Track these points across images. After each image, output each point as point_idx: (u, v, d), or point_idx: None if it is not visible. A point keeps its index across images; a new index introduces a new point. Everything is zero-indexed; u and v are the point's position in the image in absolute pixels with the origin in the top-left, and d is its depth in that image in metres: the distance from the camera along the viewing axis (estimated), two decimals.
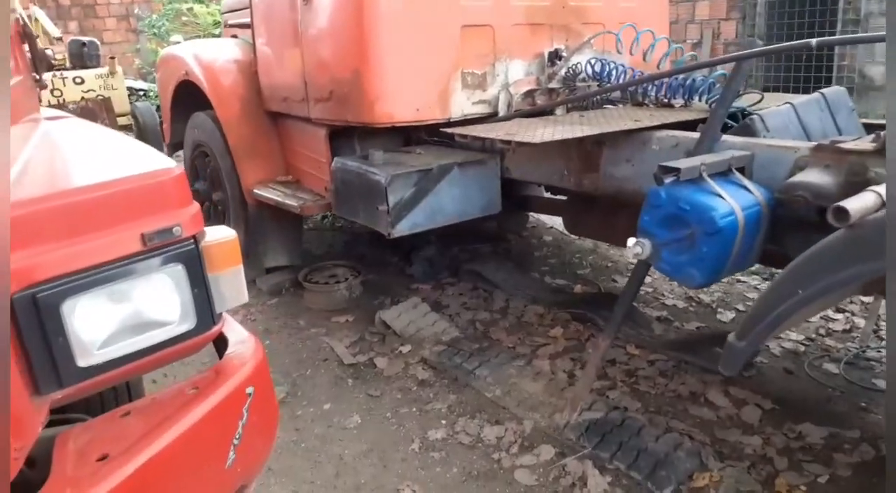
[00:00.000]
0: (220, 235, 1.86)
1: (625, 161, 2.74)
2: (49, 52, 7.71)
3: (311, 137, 3.56)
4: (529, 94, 3.25)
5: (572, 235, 4.81)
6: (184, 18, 8.76)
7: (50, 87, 6.92)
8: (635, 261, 2.46)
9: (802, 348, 3.23)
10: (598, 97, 3.35)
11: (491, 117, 3.26)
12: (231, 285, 1.87)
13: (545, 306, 3.67)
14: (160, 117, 5.59)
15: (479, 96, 3.20)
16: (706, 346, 3.14)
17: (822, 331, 3.39)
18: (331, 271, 4.06)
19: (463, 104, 3.15)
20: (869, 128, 2.71)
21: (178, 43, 4.68)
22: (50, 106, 6.99)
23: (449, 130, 2.76)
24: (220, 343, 1.94)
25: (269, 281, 4.12)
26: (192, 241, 1.63)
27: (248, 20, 4.00)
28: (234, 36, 4.67)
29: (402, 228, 2.98)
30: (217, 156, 4.12)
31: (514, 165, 3.14)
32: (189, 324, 1.55)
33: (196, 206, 1.87)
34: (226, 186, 4.11)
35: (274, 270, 4.15)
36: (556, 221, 4.87)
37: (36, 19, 8.93)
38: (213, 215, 4.39)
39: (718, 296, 3.88)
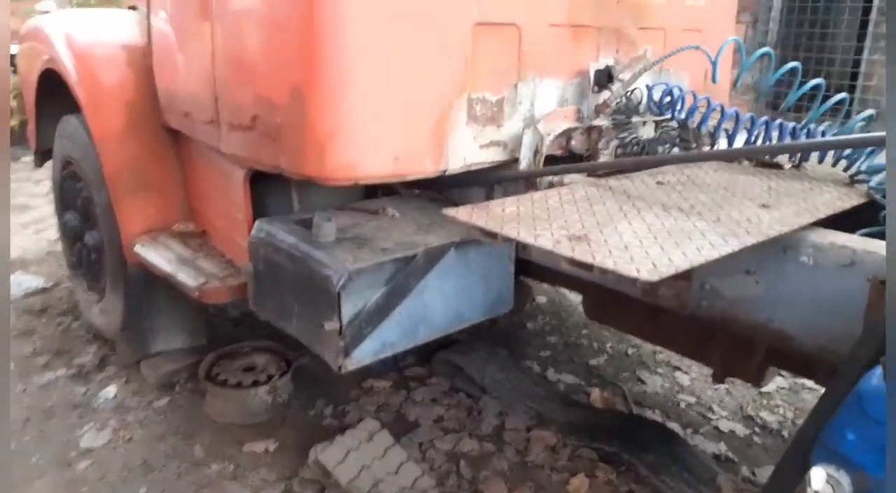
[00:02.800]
0: None
1: (744, 273, 1.64)
2: None
3: (222, 175, 2.33)
4: (565, 134, 2.10)
5: (570, 296, 3.72)
6: None
7: None
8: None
9: None
10: (655, 138, 2.24)
11: (504, 167, 2.10)
12: None
13: (556, 431, 2.56)
14: None
15: (491, 136, 2.03)
16: None
17: None
18: (247, 358, 2.82)
19: (467, 147, 1.98)
20: None
21: (47, 12, 3.32)
22: None
23: (475, 226, 1.48)
24: None
25: (158, 368, 2.86)
26: None
27: None
28: (133, 7, 3.35)
29: (362, 356, 1.80)
30: (91, 183, 2.83)
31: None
32: None
33: None
34: (101, 227, 2.83)
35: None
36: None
37: None
38: (86, 263, 3.10)
39: (787, 414, 2.85)
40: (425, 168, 1.91)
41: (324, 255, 1.79)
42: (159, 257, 2.42)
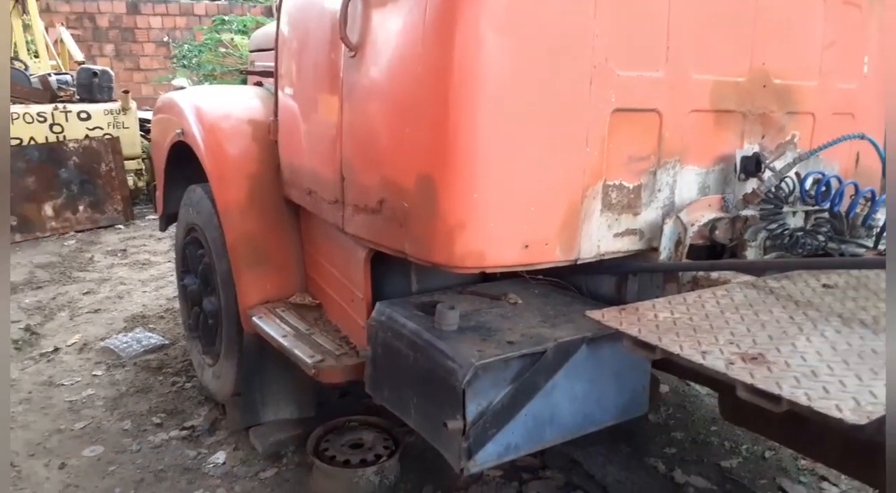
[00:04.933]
0: None
1: None
2: (68, 78, 6.59)
3: (343, 253, 2.32)
4: (709, 224, 1.95)
5: (696, 386, 3.46)
6: (222, 50, 7.72)
7: (49, 121, 5.89)
8: None
9: None
10: (806, 228, 2.04)
11: (639, 256, 1.97)
12: None
13: None
14: None
15: (627, 224, 1.91)
16: None
17: None
18: (355, 433, 2.76)
19: (601, 236, 1.87)
20: None
21: (182, 88, 3.51)
22: (48, 143, 5.97)
23: (627, 334, 1.33)
24: None
25: (266, 437, 2.85)
26: None
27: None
28: (259, 83, 3.50)
29: (485, 459, 1.69)
30: (212, 251, 2.90)
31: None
32: None
33: None
34: (220, 294, 2.89)
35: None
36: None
37: (61, 40, 8.05)
38: (203, 327, 3.16)
39: None
40: (556, 257, 1.81)
41: (448, 346, 1.71)
42: (276, 329, 2.42)
